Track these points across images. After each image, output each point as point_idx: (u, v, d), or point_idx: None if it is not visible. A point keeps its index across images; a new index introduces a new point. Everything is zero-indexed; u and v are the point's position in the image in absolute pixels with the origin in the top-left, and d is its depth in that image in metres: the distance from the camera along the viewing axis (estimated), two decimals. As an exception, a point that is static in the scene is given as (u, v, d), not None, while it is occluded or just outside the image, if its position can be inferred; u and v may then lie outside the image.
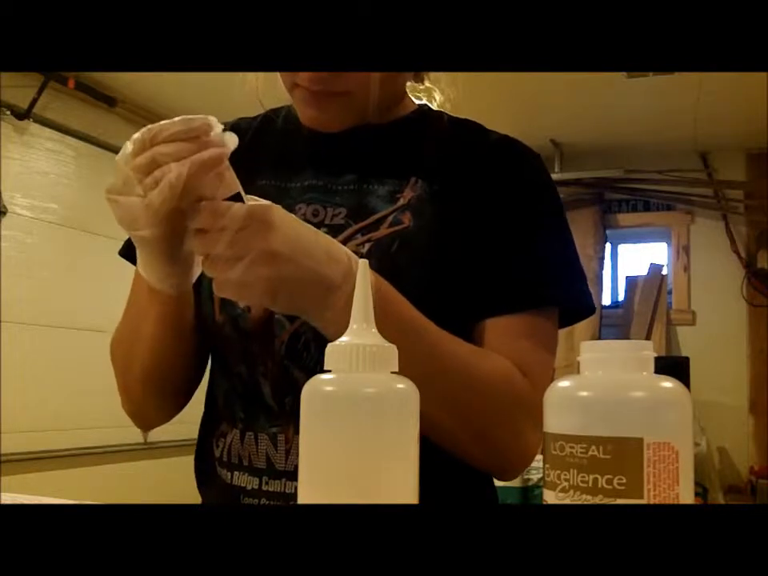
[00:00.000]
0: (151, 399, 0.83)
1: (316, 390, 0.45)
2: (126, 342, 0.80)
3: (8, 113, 2.90)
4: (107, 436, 3.23)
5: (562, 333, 0.83)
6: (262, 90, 0.85)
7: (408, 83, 0.88)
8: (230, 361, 0.80)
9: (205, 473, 0.84)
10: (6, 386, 2.72)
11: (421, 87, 0.91)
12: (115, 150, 2.97)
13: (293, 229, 0.61)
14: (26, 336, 2.91)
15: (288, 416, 0.75)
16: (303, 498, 0.45)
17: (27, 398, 2.87)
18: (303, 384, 0.74)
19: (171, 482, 3.20)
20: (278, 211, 0.61)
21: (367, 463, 0.44)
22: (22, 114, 2.94)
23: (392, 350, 0.46)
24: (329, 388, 0.45)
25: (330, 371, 0.46)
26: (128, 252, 0.87)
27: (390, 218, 0.77)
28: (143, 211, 0.60)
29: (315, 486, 0.44)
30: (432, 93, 0.91)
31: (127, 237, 0.88)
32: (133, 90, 3.33)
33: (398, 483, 0.45)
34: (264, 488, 0.76)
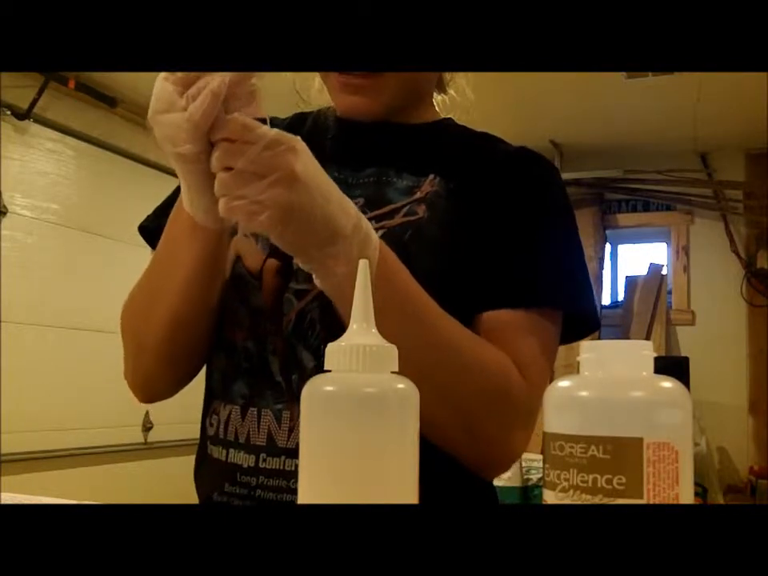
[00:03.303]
0: (167, 360, 0.80)
1: (316, 390, 0.45)
2: (151, 294, 0.79)
3: (8, 113, 2.90)
4: (107, 436, 3.23)
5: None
6: (300, 83, 0.91)
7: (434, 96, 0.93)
8: (236, 336, 0.80)
9: (200, 455, 0.85)
10: (5, 386, 2.72)
11: (442, 97, 0.94)
12: (115, 150, 2.97)
13: (314, 165, 0.62)
14: (26, 336, 2.91)
15: (294, 393, 0.75)
16: (303, 498, 0.45)
17: (27, 398, 2.87)
18: (307, 363, 0.76)
19: (171, 482, 3.20)
20: (304, 145, 0.62)
21: (367, 463, 0.44)
22: (22, 114, 2.94)
23: (392, 350, 0.46)
24: (329, 388, 0.45)
25: (329, 371, 0.46)
26: (147, 225, 0.88)
27: (405, 209, 0.79)
28: (184, 125, 0.59)
29: (315, 486, 0.45)
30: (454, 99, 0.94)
31: (149, 213, 0.89)
32: (133, 90, 3.33)
33: (397, 483, 0.45)
34: (261, 465, 0.75)
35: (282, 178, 0.59)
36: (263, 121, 0.60)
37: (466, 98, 0.94)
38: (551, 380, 0.53)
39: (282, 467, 0.75)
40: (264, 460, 0.75)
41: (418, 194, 0.80)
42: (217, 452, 0.80)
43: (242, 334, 0.80)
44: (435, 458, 0.62)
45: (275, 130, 0.59)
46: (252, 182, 0.58)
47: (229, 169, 0.59)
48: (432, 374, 0.68)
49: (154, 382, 0.84)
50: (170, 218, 0.75)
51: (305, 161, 0.61)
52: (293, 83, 0.90)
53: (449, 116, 0.93)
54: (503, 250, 0.79)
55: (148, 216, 0.90)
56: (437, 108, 0.93)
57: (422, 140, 0.87)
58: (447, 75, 0.93)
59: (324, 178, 0.63)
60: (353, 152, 0.85)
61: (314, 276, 0.67)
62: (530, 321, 0.76)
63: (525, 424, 0.74)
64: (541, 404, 0.74)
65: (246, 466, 0.76)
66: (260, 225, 0.60)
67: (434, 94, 0.93)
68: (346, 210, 0.64)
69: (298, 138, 0.61)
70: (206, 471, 0.83)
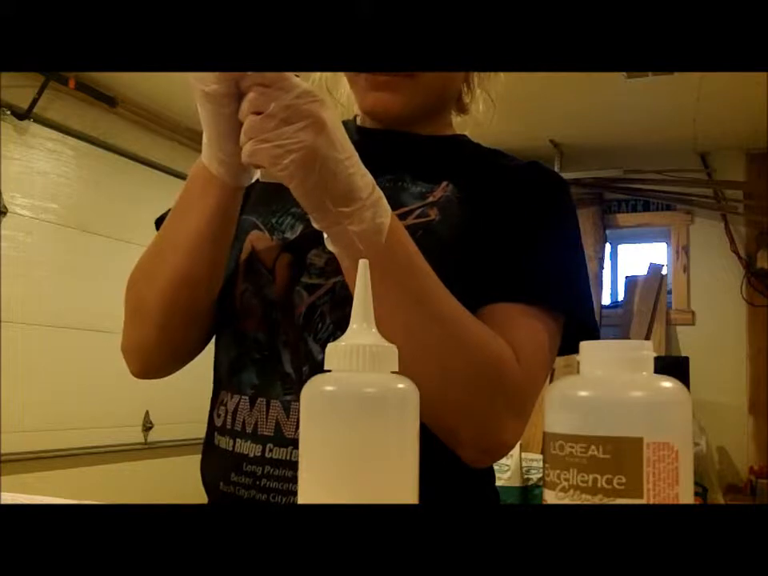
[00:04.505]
0: (166, 325, 0.79)
1: (316, 390, 0.45)
2: (158, 253, 0.79)
3: (8, 113, 2.90)
4: (107, 436, 3.23)
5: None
6: (331, 83, 0.93)
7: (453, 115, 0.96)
8: (248, 327, 0.81)
9: (207, 446, 0.85)
10: (6, 386, 2.72)
11: (462, 118, 0.97)
12: (115, 150, 2.97)
13: (340, 125, 0.65)
14: (26, 336, 2.91)
15: (303, 385, 0.76)
16: (303, 498, 0.45)
17: (27, 398, 2.87)
18: (317, 355, 0.78)
19: (171, 482, 3.20)
20: (332, 103, 0.64)
21: (367, 463, 0.44)
22: (22, 114, 2.94)
23: (392, 350, 0.46)
24: (329, 388, 0.45)
25: (330, 371, 0.46)
26: (161, 224, 0.88)
27: (418, 211, 0.81)
28: None
29: (315, 486, 0.45)
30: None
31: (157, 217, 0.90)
32: (133, 90, 3.33)
33: (398, 483, 0.45)
34: (267, 455, 0.76)
35: (310, 124, 0.61)
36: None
37: (482, 115, 0.96)
38: (551, 380, 0.53)
39: (288, 458, 0.75)
40: (271, 450, 0.76)
41: (431, 198, 0.82)
42: (224, 442, 0.81)
43: (254, 325, 0.81)
44: (435, 458, 0.62)
45: (308, 84, 0.62)
46: (280, 126, 0.60)
47: (258, 113, 0.61)
48: (428, 343, 0.68)
49: (150, 352, 0.83)
50: (188, 177, 0.76)
51: (332, 116, 0.63)
52: (327, 92, 0.94)
53: (464, 132, 0.95)
54: (508, 252, 0.80)
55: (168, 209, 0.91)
56: (454, 127, 0.95)
57: (437, 150, 0.89)
58: (467, 97, 0.94)
59: (347, 139, 0.65)
60: (371, 159, 0.86)
61: (325, 238, 0.68)
62: (529, 314, 0.77)
63: (517, 411, 0.73)
64: (537, 395, 0.75)
65: (252, 455, 0.77)
66: (283, 169, 0.61)
67: (453, 114, 0.95)
68: (363, 174, 0.66)
69: (327, 97, 0.64)
70: (213, 461, 0.83)
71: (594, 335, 0.83)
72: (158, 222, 0.90)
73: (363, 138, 0.88)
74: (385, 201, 0.68)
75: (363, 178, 0.65)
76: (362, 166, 0.66)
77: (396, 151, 0.87)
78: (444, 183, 0.84)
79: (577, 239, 0.86)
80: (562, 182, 0.89)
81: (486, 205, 0.83)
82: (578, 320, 0.82)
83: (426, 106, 0.86)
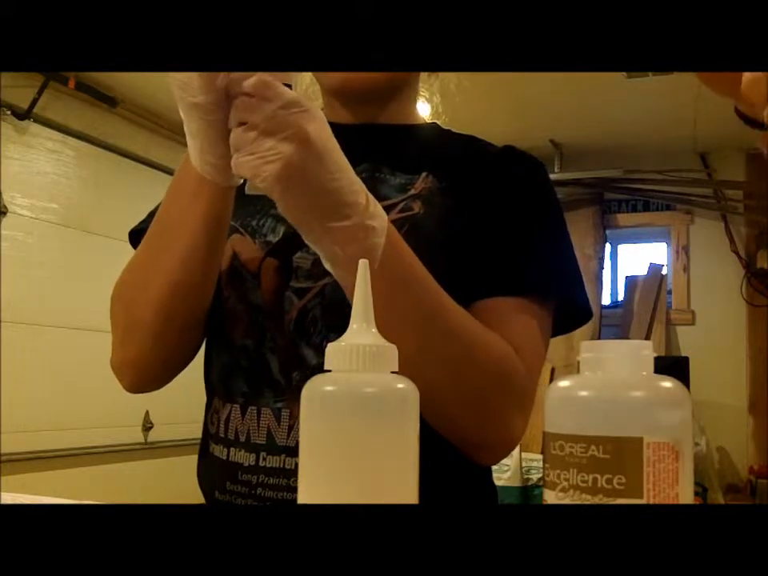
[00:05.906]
0: (162, 336, 0.77)
1: (316, 390, 0.45)
2: (150, 261, 0.76)
3: (8, 113, 2.90)
4: (107, 436, 3.23)
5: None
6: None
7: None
8: (235, 335, 0.80)
9: (202, 452, 0.85)
10: (6, 386, 2.72)
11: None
12: (115, 150, 2.96)
13: (329, 136, 0.62)
14: (26, 336, 2.91)
15: (295, 391, 0.75)
16: (303, 498, 0.45)
17: (27, 398, 2.87)
18: (310, 360, 0.77)
19: (171, 482, 3.20)
20: (322, 114, 0.62)
21: (367, 463, 0.44)
22: (22, 114, 2.94)
23: (392, 350, 0.46)
24: (329, 388, 0.45)
25: (329, 371, 0.46)
26: (141, 228, 0.86)
27: (401, 205, 0.80)
28: (198, 76, 0.60)
29: (315, 486, 0.45)
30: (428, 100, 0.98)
31: (136, 224, 0.89)
32: (133, 90, 3.33)
33: (397, 483, 0.45)
34: (261, 464, 0.76)
35: (291, 136, 0.58)
36: (288, 86, 0.60)
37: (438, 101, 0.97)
38: (551, 379, 0.53)
39: (282, 465, 0.75)
40: (264, 458, 0.76)
41: (413, 191, 0.81)
42: (218, 450, 0.80)
43: (240, 332, 0.80)
44: (435, 458, 0.62)
45: (296, 94, 0.60)
46: (261, 138, 0.58)
47: (243, 124, 0.59)
48: (436, 350, 0.68)
49: (145, 364, 0.80)
50: (174, 178, 0.74)
51: (320, 127, 0.61)
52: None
53: (434, 121, 0.95)
54: (496, 244, 0.80)
55: (141, 221, 0.89)
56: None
57: (412, 140, 0.88)
58: (431, 79, 0.95)
59: (337, 152, 0.62)
60: (345, 151, 0.85)
61: (318, 253, 0.66)
62: (522, 306, 0.77)
63: (522, 406, 0.74)
64: (536, 388, 0.75)
65: (246, 464, 0.77)
66: (262, 181, 0.59)
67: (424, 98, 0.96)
68: (355, 191, 0.63)
69: (318, 106, 0.62)
70: (208, 469, 0.83)
71: (587, 312, 0.84)
72: (132, 235, 0.87)
73: (335, 130, 0.87)
74: (381, 219, 0.64)
75: (353, 195, 0.62)
76: (355, 182, 0.63)
77: (370, 142, 0.85)
78: (424, 174, 0.83)
79: (561, 223, 0.85)
80: (541, 166, 0.89)
81: (469, 196, 0.82)
82: (571, 303, 0.83)
83: (393, 81, 0.86)
